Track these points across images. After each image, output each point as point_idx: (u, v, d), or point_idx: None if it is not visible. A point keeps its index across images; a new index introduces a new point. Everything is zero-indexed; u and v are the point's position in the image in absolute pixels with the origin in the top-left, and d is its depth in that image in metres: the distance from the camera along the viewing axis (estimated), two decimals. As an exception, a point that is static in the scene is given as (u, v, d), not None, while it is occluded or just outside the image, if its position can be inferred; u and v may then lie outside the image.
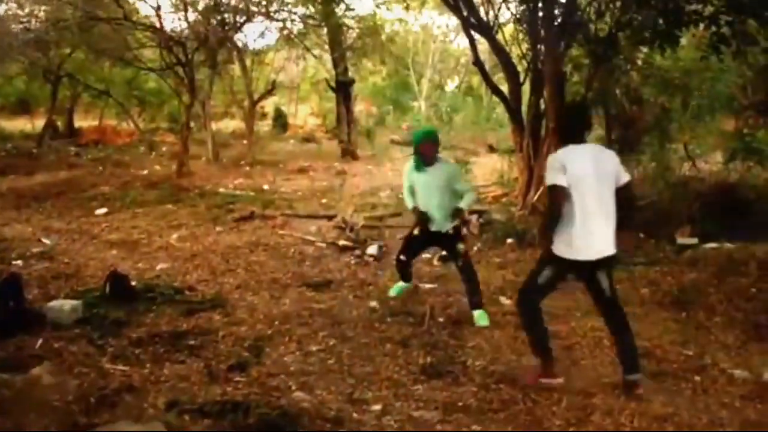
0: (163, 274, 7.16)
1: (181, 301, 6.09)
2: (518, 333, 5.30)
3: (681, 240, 7.89)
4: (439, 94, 27.26)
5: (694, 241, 7.75)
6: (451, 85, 29.88)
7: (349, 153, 17.15)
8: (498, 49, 9.57)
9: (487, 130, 19.98)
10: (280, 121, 23.67)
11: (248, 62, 17.91)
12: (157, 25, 14.44)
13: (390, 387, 4.30)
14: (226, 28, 14.77)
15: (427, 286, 6.67)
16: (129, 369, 4.42)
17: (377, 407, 3.99)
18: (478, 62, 9.83)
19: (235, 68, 17.93)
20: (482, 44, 11.12)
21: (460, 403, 4.05)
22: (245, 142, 17.51)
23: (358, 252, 8.06)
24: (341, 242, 8.47)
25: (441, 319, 5.64)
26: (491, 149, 17.02)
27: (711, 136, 11.51)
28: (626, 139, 10.71)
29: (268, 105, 25.23)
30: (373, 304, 6.14)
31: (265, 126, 23.81)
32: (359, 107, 26.36)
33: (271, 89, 17.40)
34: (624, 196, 4.12)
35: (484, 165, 14.56)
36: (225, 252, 8.05)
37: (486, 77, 10.10)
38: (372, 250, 8.06)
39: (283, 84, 26.56)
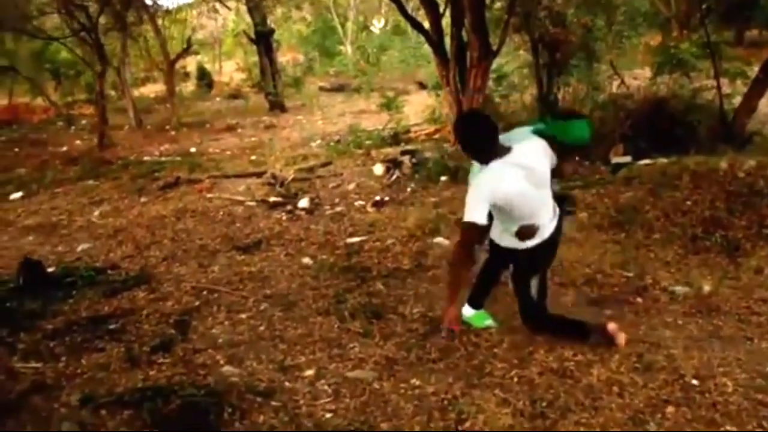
0: (84, 255, 6.73)
1: (103, 282, 5.71)
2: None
3: (615, 159, 7.78)
4: (366, 36, 26.62)
5: (628, 159, 7.65)
6: (377, 25, 29.20)
7: (277, 105, 16.60)
8: (414, -19, 9.21)
9: (416, 67, 19.59)
10: (205, 79, 22.78)
11: (162, 21, 17.06)
12: (54, -12, 13.50)
13: (324, 348, 4.07)
14: (131, -14, 13.93)
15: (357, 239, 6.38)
16: (42, 365, 4.07)
17: (310, 372, 3.76)
18: (393, -4, 9.43)
19: (150, 30, 17.06)
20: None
21: (398, 357, 3.85)
22: (169, 105, 16.80)
23: (289, 207, 7.73)
24: (272, 199, 8.13)
25: (375, 272, 5.39)
26: (421, 86, 16.66)
27: (637, 51, 11.40)
28: (554, 62, 10.51)
29: (191, 64, 24.26)
30: (306, 260, 5.87)
31: (189, 87, 22.90)
32: (285, 57, 25.64)
33: (188, 47, 16.61)
34: None
35: (415, 103, 14.27)
36: (150, 223, 7.63)
37: (404, 12, 9.71)
38: (303, 203, 7.75)
39: (204, 41, 25.67)
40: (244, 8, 17.69)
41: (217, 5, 19.10)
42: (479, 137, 3.50)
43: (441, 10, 9.41)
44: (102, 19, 14.13)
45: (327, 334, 4.28)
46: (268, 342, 4.26)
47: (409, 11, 11.32)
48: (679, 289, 4.62)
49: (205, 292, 5.27)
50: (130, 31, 15.15)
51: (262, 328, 4.50)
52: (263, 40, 16.38)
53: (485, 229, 3.59)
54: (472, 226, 3.41)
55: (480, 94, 8.82)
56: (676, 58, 8.81)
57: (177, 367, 3.95)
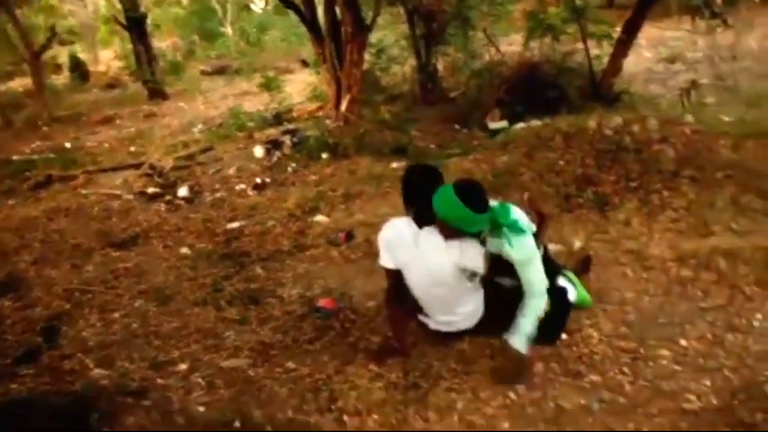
0: (-60, 269, 6.25)
1: (-37, 295, 5.32)
2: (334, 252, 5.10)
3: (492, 125, 7.92)
4: (247, 16, 25.96)
5: (505, 123, 7.81)
6: (258, 5, 28.53)
7: (157, 93, 15.92)
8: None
9: (299, 45, 19.22)
10: (78, 70, 21.62)
11: (22, 11, 15.98)
12: None
13: (199, 340, 3.95)
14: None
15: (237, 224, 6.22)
16: None
17: (184, 366, 3.64)
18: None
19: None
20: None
21: (274, 341, 3.77)
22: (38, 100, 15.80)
23: (168, 197, 7.45)
24: (150, 190, 7.82)
25: (254, 256, 5.27)
26: (304, 64, 16.38)
27: (513, 18, 11.59)
28: (430, 33, 10.55)
29: (63, 55, 22.96)
30: (184, 250, 5.68)
31: (61, 78, 21.68)
32: (166, 42, 24.70)
33: (52, 37, 15.68)
34: None
35: (298, 81, 14.03)
36: (19, 226, 7.15)
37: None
38: (183, 192, 7.50)
39: (74, 29, 24.41)
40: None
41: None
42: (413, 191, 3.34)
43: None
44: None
45: (203, 324, 4.16)
46: (141, 339, 4.09)
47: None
48: (553, 246, 4.72)
49: (77, 294, 5.00)
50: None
51: (135, 325, 4.32)
52: (135, 25, 15.67)
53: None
54: (384, 270, 3.38)
55: (358, 69, 8.75)
56: (545, 24, 8.99)
57: (42, 376, 3.73)
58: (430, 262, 3.23)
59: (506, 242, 3.13)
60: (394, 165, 7.19)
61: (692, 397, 2.84)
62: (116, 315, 4.53)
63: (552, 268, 3.79)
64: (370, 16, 9.12)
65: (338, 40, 8.93)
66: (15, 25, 14.50)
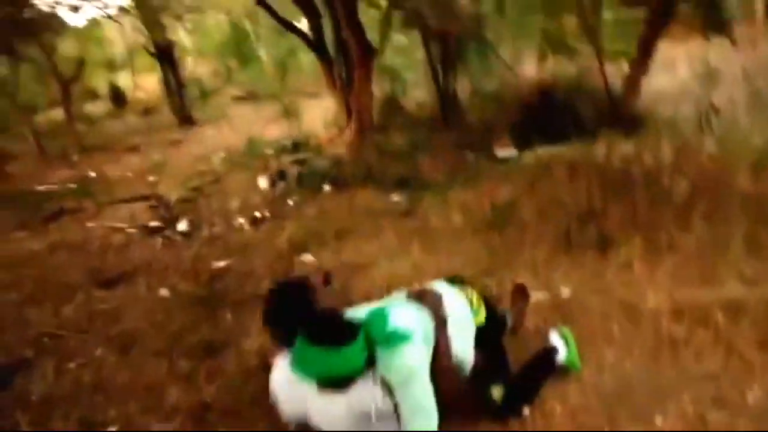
0: None
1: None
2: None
3: (500, 153, 7.53)
4: (277, 39, 25.87)
5: (513, 152, 7.41)
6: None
7: (186, 120, 16.01)
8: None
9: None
10: (118, 98, 21.97)
11: (60, 41, 16.28)
12: None
13: (141, 398, 3.67)
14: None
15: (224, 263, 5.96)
16: None
17: (113, 429, 3.37)
18: (261, 0, 8.96)
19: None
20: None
21: (214, 402, 3.49)
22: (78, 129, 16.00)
23: (168, 232, 7.27)
24: (151, 223, 7.66)
25: (229, 301, 5.01)
26: (334, 89, 16.23)
27: (530, 37, 11.16)
28: (448, 56, 10.21)
29: (102, 82, 23.42)
30: (164, 292, 5.45)
31: (100, 107, 22.06)
32: (206, 68, 24.96)
33: (80, 67, 15.87)
34: None
35: (323, 107, 13.84)
36: (19, 261, 7.06)
37: (274, 14, 9.25)
38: (182, 226, 7.32)
39: (112, 58, 24.93)
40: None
41: (124, 20, 18.47)
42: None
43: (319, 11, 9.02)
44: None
45: (152, 379, 3.88)
46: (86, 395, 3.84)
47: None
48: (540, 295, 4.31)
49: (45, 339, 4.81)
50: (19, 55, 14.34)
51: (87, 378, 4.08)
52: (163, 53, 15.79)
53: None
54: None
55: (366, 94, 8.49)
56: (556, 42, 8.55)
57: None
58: (328, 417, 2.62)
59: (381, 364, 2.56)
60: (396, 198, 6.88)
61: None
62: (72, 365, 4.30)
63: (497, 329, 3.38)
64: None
65: (348, 65, 8.70)
66: (46, 58, 14.70)
